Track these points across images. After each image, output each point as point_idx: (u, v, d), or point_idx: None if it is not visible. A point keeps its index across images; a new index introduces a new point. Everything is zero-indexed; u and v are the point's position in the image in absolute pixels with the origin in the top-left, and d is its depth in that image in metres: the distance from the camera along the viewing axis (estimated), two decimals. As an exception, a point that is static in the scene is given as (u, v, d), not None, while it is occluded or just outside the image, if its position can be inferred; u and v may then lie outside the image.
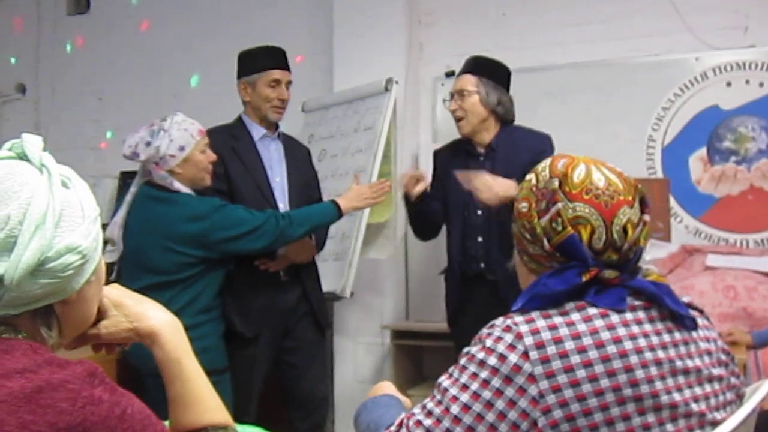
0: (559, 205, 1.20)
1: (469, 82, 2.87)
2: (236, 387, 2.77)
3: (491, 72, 2.89)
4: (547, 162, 1.29)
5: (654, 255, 3.39)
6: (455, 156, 2.97)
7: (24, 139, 0.97)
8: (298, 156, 3.10)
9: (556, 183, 1.22)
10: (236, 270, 2.79)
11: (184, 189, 2.60)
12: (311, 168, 3.19)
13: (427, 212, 3.03)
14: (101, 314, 1.09)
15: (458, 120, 2.89)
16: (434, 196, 3.02)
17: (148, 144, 2.56)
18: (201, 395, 1.08)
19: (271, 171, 2.99)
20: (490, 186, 2.63)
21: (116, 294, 1.12)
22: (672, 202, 3.72)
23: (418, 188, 2.93)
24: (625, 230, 1.21)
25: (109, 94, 5.01)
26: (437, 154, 3.08)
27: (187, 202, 2.58)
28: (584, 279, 1.17)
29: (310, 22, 4.46)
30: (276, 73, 2.98)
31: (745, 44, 3.68)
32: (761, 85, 3.64)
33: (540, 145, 2.81)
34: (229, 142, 2.93)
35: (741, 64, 3.67)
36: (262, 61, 3.01)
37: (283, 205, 2.96)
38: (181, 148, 2.57)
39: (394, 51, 4.00)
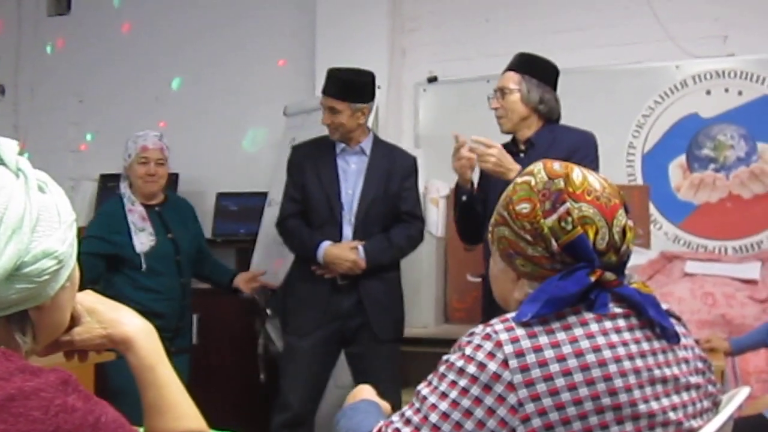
0: (568, 204, 1.20)
1: (511, 79, 2.77)
2: (284, 377, 3.13)
3: (535, 69, 2.79)
4: (539, 165, 1.27)
5: (634, 261, 3.39)
6: None
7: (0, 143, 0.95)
8: (386, 168, 3.12)
9: (562, 183, 1.22)
10: (296, 267, 3.15)
11: (126, 191, 3.20)
12: (406, 179, 3.15)
13: (473, 213, 2.88)
14: (74, 321, 1.08)
15: (498, 118, 2.80)
16: (478, 198, 2.91)
17: (125, 148, 3.23)
18: (176, 402, 1.07)
19: (345, 184, 3.09)
20: (495, 158, 2.56)
21: (90, 300, 1.10)
22: (652, 208, 3.75)
23: (466, 169, 2.72)
24: (624, 232, 1.22)
25: (90, 96, 4.97)
26: None
27: (97, 213, 3.37)
28: (593, 279, 1.17)
29: (292, 27, 4.46)
30: (321, 100, 3.10)
31: (724, 53, 3.72)
32: (740, 93, 3.68)
33: (577, 142, 2.72)
34: (313, 154, 3.14)
35: (720, 72, 3.71)
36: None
37: (348, 217, 3.07)
38: (128, 156, 3.19)
39: (376, 56, 3.99)
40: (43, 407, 0.84)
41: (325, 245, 3.01)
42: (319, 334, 3.06)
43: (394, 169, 3.13)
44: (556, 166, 1.26)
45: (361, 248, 3.02)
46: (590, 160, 2.70)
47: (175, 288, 3.24)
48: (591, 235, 1.19)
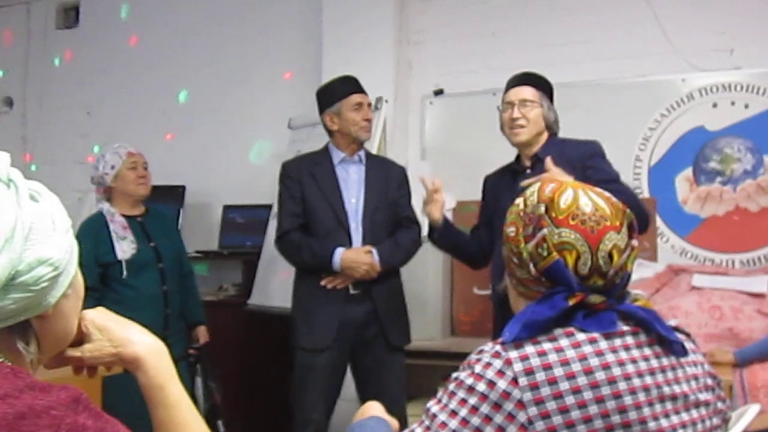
0: (545, 230, 1.21)
1: (532, 93, 2.80)
2: (296, 395, 3.06)
3: (547, 88, 2.84)
4: (536, 187, 1.29)
5: (640, 275, 3.39)
6: (502, 176, 2.91)
7: None
8: (383, 177, 3.18)
9: (543, 208, 1.23)
10: (302, 283, 3.12)
11: (104, 205, 3.24)
12: (401, 187, 3.22)
13: (456, 242, 2.99)
14: (84, 338, 1.08)
15: (519, 128, 2.78)
16: (482, 223, 2.97)
17: (96, 168, 3.27)
18: (185, 421, 1.06)
19: (347, 192, 3.13)
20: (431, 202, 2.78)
21: (101, 318, 1.10)
22: (658, 221, 3.74)
23: (437, 211, 2.83)
24: (610, 256, 1.21)
25: (97, 108, 5.00)
26: (486, 180, 3.01)
27: (79, 226, 3.18)
28: (570, 303, 1.17)
29: (299, 40, 4.47)
30: (357, 97, 3.13)
31: (730, 66, 3.72)
32: (746, 106, 3.67)
33: (588, 151, 2.76)
34: (310, 167, 3.16)
35: (727, 85, 3.71)
36: (341, 90, 3.16)
37: (355, 224, 3.10)
38: (111, 168, 3.24)
39: (383, 69, 4.01)
40: (53, 426, 0.84)
41: (341, 250, 3.01)
42: (336, 347, 3.03)
43: (389, 178, 3.20)
44: (548, 189, 1.27)
45: (375, 251, 3.03)
46: (608, 167, 2.73)
47: (157, 296, 3.21)
48: (570, 260, 1.20)
